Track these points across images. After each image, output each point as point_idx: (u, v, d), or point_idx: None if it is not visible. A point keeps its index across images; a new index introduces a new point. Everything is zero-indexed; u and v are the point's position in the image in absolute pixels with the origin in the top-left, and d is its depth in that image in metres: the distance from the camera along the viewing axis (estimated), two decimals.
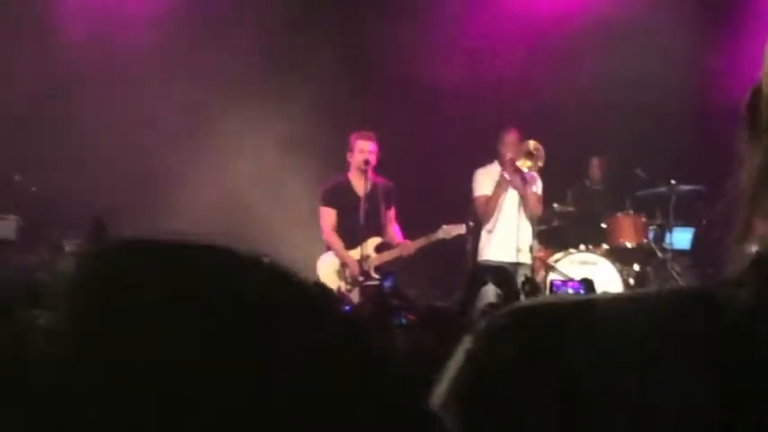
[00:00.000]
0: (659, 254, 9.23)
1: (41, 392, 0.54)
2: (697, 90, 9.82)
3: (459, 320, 4.34)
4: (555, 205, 9.41)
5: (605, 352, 0.78)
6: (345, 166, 8.58)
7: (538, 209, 8.65)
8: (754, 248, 0.83)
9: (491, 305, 4.87)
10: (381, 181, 8.49)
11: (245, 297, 0.58)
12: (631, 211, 9.42)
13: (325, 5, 10.22)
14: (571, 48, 10.00)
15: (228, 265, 0.60)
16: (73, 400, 0.53)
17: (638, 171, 9.53)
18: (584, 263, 8.81)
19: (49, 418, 0.53)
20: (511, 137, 8.54)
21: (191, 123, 9.77)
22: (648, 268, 9.26)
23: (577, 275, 7.35)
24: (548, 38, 10.13)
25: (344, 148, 8.58)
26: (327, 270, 8.46)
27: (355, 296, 8.18)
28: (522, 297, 5.57)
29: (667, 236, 9.32)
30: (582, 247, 9.03)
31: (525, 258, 8.42)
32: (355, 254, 8.40)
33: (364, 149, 8.38)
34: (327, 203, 8.57)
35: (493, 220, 8.58)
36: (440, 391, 0.79)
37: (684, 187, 9.24)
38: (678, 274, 9.07)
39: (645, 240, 9.30)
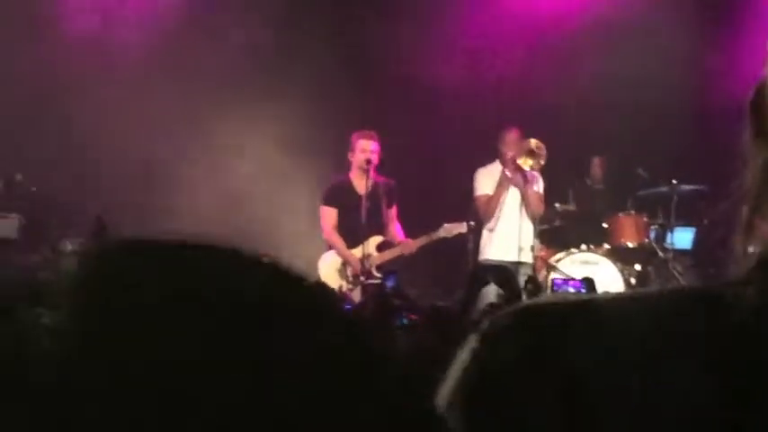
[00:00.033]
0: (660, 254, 9.23)
1: (43, 391, 0.53)
2: (698, 90, 9.82)
3: (460, 320, 4.35)
4: (556, 205, 9.41)
5: (608, 351, 0.78)
6: (346, 166, 8.59)
7: (539, 208, 8.65)
8: (756, 249, 0.83)
9: (492, 305, 4.87)
10: (382, 180, 8.49)
11: (246, 297, 0.58)
12: (633, 211, 9.42)
13: (326, 5, 10.22)
14: (572, 47, 10.00)
15: (229, 264, 0.60)
16: (74, 399, 0.53)
17: (640, 171, 9.53)
18: (586, 262, 8.81)
19: (50, 417, 0.53)
20: (512, 136, 8.54)
21: (191, 123, 9.77)
22: (650, 268, 9.26)
23: (579, 275, 7.35)
24: (548, 38, 10.13)
25: (345, 147, 8.59)
26: (329, 269, 8.47)
27: (357, 295, 8.19)
28: (525, 296, 5.58)
29: (669, 236, 9.31)
30: (583, 246, 9.03)
31: (527, 258, 8.42)
32: (357, 253, 8.41)
33: (366, 149, 8.38)
34: (328, 203, 8.57)
35: (494, 219, 8.58)
36: (445, 391, 0.79)
37: (686, 187, 9.24)
38: (679, 273, 9.06)
39: (646, 240, 9.30)
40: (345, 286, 8.35)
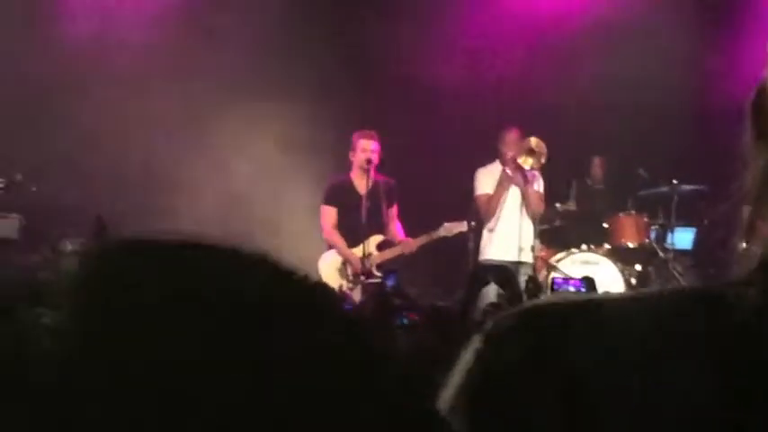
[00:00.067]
0: (661, 254, 9.23)
1: (44, 391, 0.53)
2: (698, 90, 9.82)
3: (460, 320, 4.35)
4: (557, 205, 9.41)
5: (609, 351, 0.78)
6: (347, 165, 8.59)
7: (540, 207, 8.65)
8: (757, 250, 0.83)
9: (492, 305, 4.87)
10: (383, 179, 8.50)
11: (246, 296, 0.58)
12: (633, 211, 9.42)
13: (326, 5, 10.22)
14: (572, 48, 10.00)
15: (229, 264, 0.60)
16: (75, 399, 0.53)
17: (640, 171, 9.53)
18: (586, 262, 8.81)
19: (51, 417, 0.53)
20: (512, 135, 8.54)
21: (191, 123, 9.77)
22: (650, 268, 9.25)
23: (579, 275, 7.35)
24: (549, 38, 10.13)
25: (345, 147, 8.59)
26: (329, 268, 8.47)
27: (357, 294, 8.19)
28: (525, 296, 5.57)
29: (669, 236, 9.31)
30: (584, 246, 9.03)
31: (527, 258, 8.42)
32: (357, 252, 8.41)
33: (366, 148, 8.38)
34: (328, 202, 8.58)
35: (494, 219, 8.58)
36: (448, 392, 0.79)
37: (686, 187, 9.24)
38: (680, 274, 9.06)
39: (647, 240, 9.30)
40: (346, 285, 8.35)
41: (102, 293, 0.57)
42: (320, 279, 8.11)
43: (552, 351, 0.79)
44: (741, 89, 0.91)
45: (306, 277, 0.62)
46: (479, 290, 5.14)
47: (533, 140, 8.39)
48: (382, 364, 0.61)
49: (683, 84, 9.63)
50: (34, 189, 8.85)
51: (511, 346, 0.80)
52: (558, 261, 8.79)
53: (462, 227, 8.47)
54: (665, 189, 9.32)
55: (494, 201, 8.56)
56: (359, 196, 8.42)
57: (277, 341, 0.57)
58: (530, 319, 0.82)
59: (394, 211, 8.63)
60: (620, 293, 0.91)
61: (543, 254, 8.78)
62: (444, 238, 8.47)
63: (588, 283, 6.28)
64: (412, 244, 8.48)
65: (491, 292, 5.26)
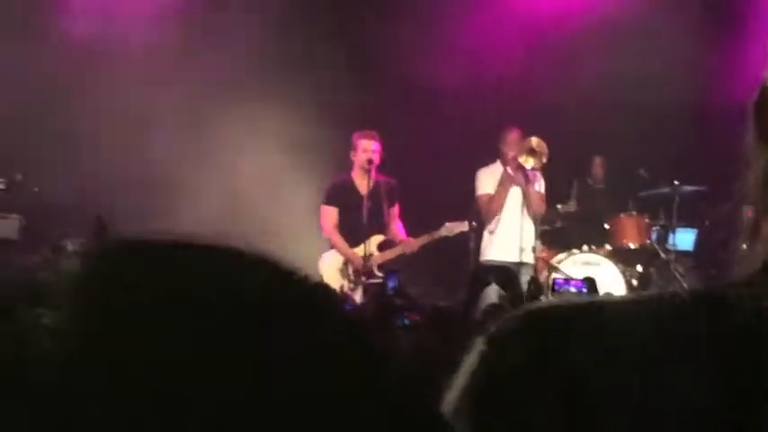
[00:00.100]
0: (662, 255, 9.22)
1: (44, 391, 0.53)
2: (699, 90, 9.81)
3: (462, 321, 4.35)
4: (558, 206, 9.40)
5: (610, 354, 0.78)
6: (348, 165, 8.59)
7: (541, 207, 8.65)
8: (760, 251, 0.83)
9: (494, 305, 4.87)
10: (384, 179, 8.50)
11: (245, 296, 0.58)
12: (634, 212, 9.42)
13: (327, 6, 10.22)
14: (573, 48, 9.99)
15: (229, 264, 0.60)
16: (75, 399, 0.53)
17: (641, 172, 9.53)
18: (587, 263, 8.81)
19: (51, 417, 0.53)
20: (513, 135, 8.54)
21: (192, 123, 9.78)
22: (651, 269, 9.25)
23: (580, 276, 7.35)
24: (549, 38, 10.13)
25: (346, 147, 8.59)
26: (330, 268, 8.47)
27: (358, 295, 8.19)
28: (527, 297, 5.58)
29: (670, 237, 9.31)
30: (585, 247, 9.03)
31: (528, 258, 8.42)
32: (358, 252, 8.41)
33: (367, 149, 8.38)
34: (329, 202, 8.58)
35: (495, 220, 8.58)
36: (453, 394, 0.79)
37: (687, 188, 9.23)
38: (681, 275, 9.06)
39: (648, 241, 9.29)
40: (347, 286, 8.35)
41: (101, 294, 0.57)
42: (321, 279, 8.14)
43: (555, 353, 0.79)
44: (742, 89, 0.91)
45: (306, 277, 0.62)
46: (481, 290, 5.14)
47: (534, 140, 8.39)
48: (382, 364, 0.60)
49: (684, 84, 9.62)
50: (35, 189, 8.86)
51: (514, 348, 0.80)
52: (560, 262, 8.79)
53: (463, 227, 8.46)
54: (666, 190, 9.32)
55: (495, 201, 8.56)
56: (360, 196, 8.42)
57: (277, 341, 0.57)
58: (533, 321, 0.83)
59: (395, 210, 8.63)
60: (622, 296, 0.91)
61: (544, 255, 8.77)
62: (446, 238, 8.46)
63: (589, 283, 6.28)
64: (413, 244, 8.48)
65: (492, 292, 5.26)
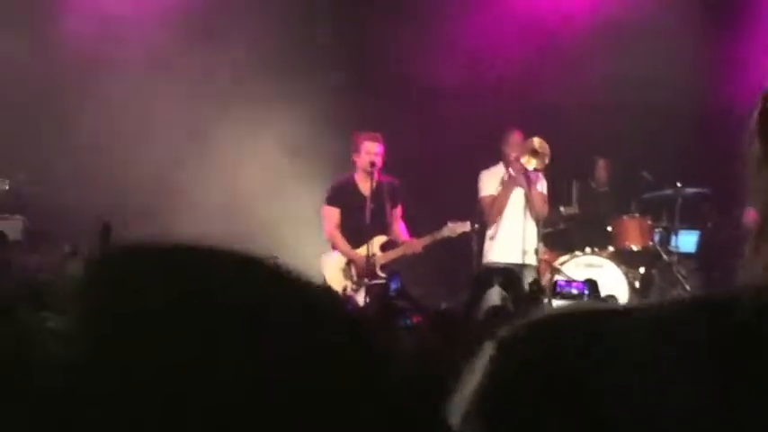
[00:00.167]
0: (665, 257, 9.22)
1: (48, 394, 0.54)
2: (703, 92, 9.80)
3: (464, 322, 4.35)
4: (561, 208, 9.39)
5: (617, 362, 0.78)
6: (350, 166, 8.58)
7: (543, 209, 8.64)
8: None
9: (496, 307, 4.87)
10: (387, 179, 8.49)
11: (247, 299, 0.59)
12: (637, 214, 9.41)
13: (327, 7, 10.22)
14: (575, 49, 9.99)
15: (232, 267, 0.61)
16: (81, 402, 0.53)
17: (644, 174, 9.52)
18: (590, 265, 8.80)
19: (54, 419, 0.53)
20: (515, 136, 8.55)
21: (194, 125, 9.78)
22: (654, 271, 9.24)
23: (583, 278, 7.34)
24: (552, 39, 10.12)
25: (348, 148, 8.59)
26: (333, 269, 8.46)
27: (361, 296, 8.18)
28: (529, 300, 5.57)
29: (673, 239, 9.30)
30: (587, 249, 9.02)
31: (531, 260, 8.41)
32: (360, 252, 8.40)
33: (370, 151, 8.37)
34: (331, 202, 8.57)
35: (498, 222, 8.58)
36: (462, 399, 0.80)
37: (690, 190, 9.22)
38: (683, 277, 9.05)
39: (650, 243, 9.28)
40: (350, 287, 8.34)
41: (108, 298, 0.57)
42: (324, 280, 8.14)
43: (564, 360, 0.79)
44: (747, 92, 0.91)
45: (307, 279, 0.63)
46: (483, 292, 5.14)
47: (536, 141, 8.39)
48: (383, 364, 0.61)
49: (687, 86, 9.61)
50: (38, 191, 8.87)
51: (524, 354, 0.81)
52: (562, 264, 8.78)
53: (466, 227, 8.45)
54: (669, 192, 9.31)
55: (498, 202, 8.56)
56: (362, 197, 8.41)
57: (279, 342, 0.57)
58: (542, 328, 0.83)
59: (398, 211, 8.62)
60: (628, 303, 0.91)
61: (547, 257, 8.76)
62: (448, 240, 8.45)
63: (591, 286, 6.28)
64: (416, 244, 8.46)
65: (495, 294, 5.26)
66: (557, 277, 8.14)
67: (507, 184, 8.55)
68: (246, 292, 0.59)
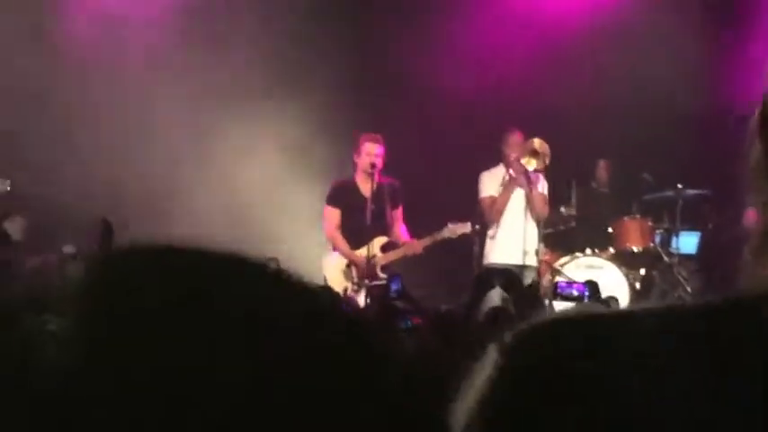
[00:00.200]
0: (666, 258, 9.22)
1: (45, 397, 0.54)
2: (704, 94, 9.80)
3: (465, 324, 4.35)
4: (562, 209, 9.39)
5: (617, 366, 0.78)
6: (351, 167, 8.58)
7: (544, 210, 8.64)
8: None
9: (496, 308, 4.87)
10: (387, 180, 8.49)
11: (246, 301, 0.59)
12: (638, 215, 9.41)
13: (328, 10, 10.22)
14: (578, 50, 9.99)
15: (231, 269, 0.61)
16: (77, 404, 0.53)
17: (645, 175, 9.52)
18: (591, 267, 8.80)
19: (52, 422, 0.53)
20: (515, 137, 8.56)
21: (195, 126, 9.79)
22: (655, 272, 9.24)
23: (583, 279, 7.34)
24: (555, 39, 10.12)
25: (349, 149, 8.59)
26: (334, 270, 8.46)
27: (362, 296, 8.18)
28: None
29: (674, 240, 9.30)
30: (588, 251, 9.02)
31: (531, 261, 8.41)
32: (361, 253, 8.40)
33: (371, 152, 8.36)
34: (332, 203, 8.57)
35: (499, 223, 8.58)
36: (466, 404, 0.79)
37: (691, 191, 9.22)
38: (684, 278, 9.05)
39: (651, 244, 9.28)
40: (350, 288, 8.34)
41: (105, 300, 0.57)
42: (324, 281, 8.14)
43: (566, 366, 0.79)
44: (748, 93, 0.90)
45: (307, 281, 0.63)
46: (484, 293, 5.13)
47: (536, 141, 8.39)
48: (382, 364, 0.61)
49: (688, 87, 9.61)
50: (39, 191, 8.87)
51: (527, 359, 0.81)
52: (563, 265, 8.79)
53: (466, 228, 8.45)
54: (669, 193, 9.31)
55: (498, 203, 8.56)
56: (363, 198, 8.40)
57: (277, 342, 0.57)
58: (545, 333, 0.83)
59: (398, 212, 8.62)
60: (632, 308, 0.91)
61: (547, 258, 8.77)
62: (449, 241, 8.44)
63: (592, 287, 6.27)
64: (416, 245, 8.46)
65: (495, 295, 5.25)
66: (557, 278, 8.14)
67: (508, 185, 8.55)
68: (245, 294, 0.59)
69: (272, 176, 9.80)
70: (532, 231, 8.49)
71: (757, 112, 0.86)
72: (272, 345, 0.57)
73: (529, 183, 8.51)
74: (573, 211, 9.54)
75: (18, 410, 0.53)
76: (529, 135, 8.48)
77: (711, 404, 0.75)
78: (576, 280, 7.50)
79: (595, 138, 9.69)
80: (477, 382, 0.80)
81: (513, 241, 8.46)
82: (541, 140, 8.38)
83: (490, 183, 8.65)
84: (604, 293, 6.93)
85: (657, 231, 9.42)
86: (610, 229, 9.35)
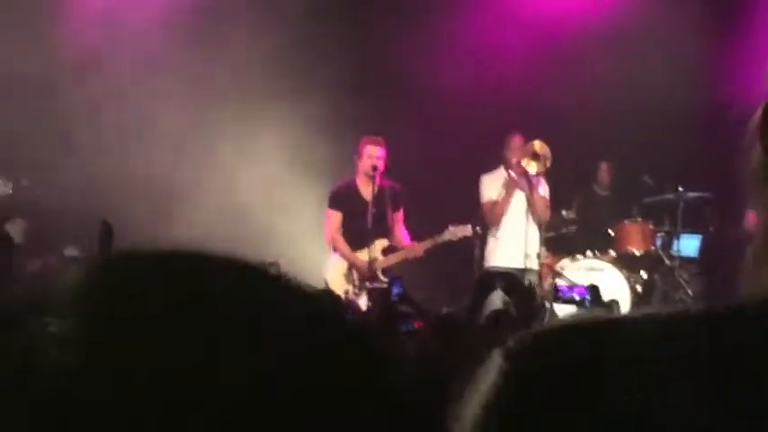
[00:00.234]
0: (666, 261, 9.22)
1: (44, 400, 0.54)
2: (705, 96, 9.80)
3: (466, 326, 4.35)
4: (563, 212, 9.39)
5: (621, 373, 0.78)
6: (352, 170, 8.58)
7: (545, 213, 8.65)
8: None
9: (498, 311, 4.88)
10: (388, 183, 8.49)
11: (248, 304, 0.59)
12: (639, 218, 9.41)
13: (329, 10, 10.23)
14: (578, 51, 9.99)
15: (231, 273, 0.61)
16: (77, 407, 0.53)
17: (646, 178, 9.52)
18: (592, 269, 8.80)
19: (51, 424, 0.53)
20: (516, 140, 8.56)
21: (196, 129, 9.80)
22: (656, 275, 9.24)
23: (584, 282, 7.35)
24: (555, 41, 10.13)
25: (350, 152, 8.59)
26: (335, 273, 8.46)
27: (363, 299, 8.18)
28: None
29: (675, 243, 9.30)
30: (589, 253, 9.02)
31: (533, 264, 8.41)
32: (362, 256, 8.40)
33: (373, 155, 8.37)
34: (333, 206, 8.57)
35: (500, 226, 8.58)
36: (469, 410, 0.79)
37: (692, 194, 9.23)
38: (685, 281, 9.05)
39: (652, 247, 9.28)
40: (352, 291, 8.34)
41: (106, 303, 0.57)
42: (326, 284, 8.14)
43: (571, 373, 0.79)
44: (749, 96, 0.90)
45: (308, 284, 0.63)
46: (485, 296, 5.15)
47: (537, 144, 8.39)
48: (383, 363, 0.61)
49: (688, 89, 9.61)
50: (40, 193, 8.87)
51: (531, 366, 0.80)
52: (564, 268, 8.78)
53: (467, 231, 8.45)
54: (670, 196, 9.31)
55: (499, 206, 8.57)
56: (364, 201, 8.41)
57: (279, 343, 0.57)
58: (549, 339, 0.83)
59: (399, 215, 8.62)
60: (636, 314, 0.91)
61: (549, 260, 8.77)
62: (450, 244, 8.45)
63: (593, 291, 6.29)
64: (417, 248, 8.46)
65: (497, 298, 5.27)
66: (558, 281, 8.14)
67: (508, 188, 8.55)
68: (247, 298, 0.59)
69: (272, 176, 9.80)
70: (534, 234, 8.50)
71: (758, 112, 0.86)
72: (273, 346, 0.57)
73: (530, 186, 8.51)
74: (574, 215, 9.54)
75: (18, 413, 0.53)
76: (529, 137, 8.48)
77: (714, 412, 0.75)
78: (578, 283, 7.51)
79: (596, 140, 9.69)
80: (481, 388, 0.80)
81: (514, 244, 8.46)
82: (542, 143, 8.38)
83: (491, 186, 8.66)
84: (605, 296, 6.95)
85: (658, 234, 9.42)
86: (611, 232, 9.35)
